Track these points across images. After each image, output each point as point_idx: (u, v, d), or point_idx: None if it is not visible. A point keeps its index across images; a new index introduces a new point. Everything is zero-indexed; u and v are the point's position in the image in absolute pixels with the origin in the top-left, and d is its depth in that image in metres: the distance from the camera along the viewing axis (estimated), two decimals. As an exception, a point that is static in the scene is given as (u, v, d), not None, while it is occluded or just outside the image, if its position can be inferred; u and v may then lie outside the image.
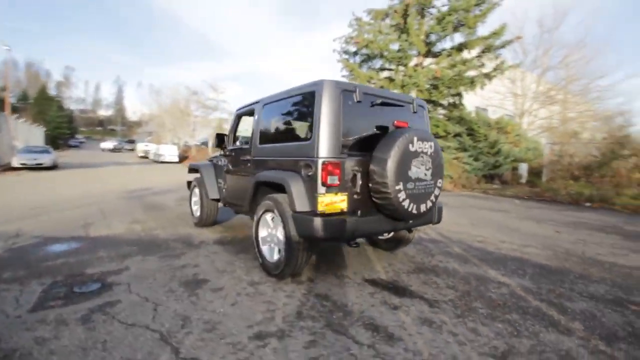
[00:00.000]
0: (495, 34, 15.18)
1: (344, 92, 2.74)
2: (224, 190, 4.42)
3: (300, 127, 3.00)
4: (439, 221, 3.38)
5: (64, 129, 41.77)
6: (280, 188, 3.00)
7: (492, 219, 6.48)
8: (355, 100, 2.81)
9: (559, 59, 18.06)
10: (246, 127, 4.42)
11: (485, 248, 4.31)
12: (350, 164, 2.72)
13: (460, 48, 16.23)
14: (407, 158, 2.66)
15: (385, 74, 18.38)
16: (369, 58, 17.78)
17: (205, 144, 32.39)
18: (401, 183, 2.64)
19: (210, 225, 5.02)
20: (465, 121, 16.46)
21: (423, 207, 2.85)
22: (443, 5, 16.23)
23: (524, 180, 14.16)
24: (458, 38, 16.77)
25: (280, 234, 3.01)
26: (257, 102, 3.71)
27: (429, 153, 2.83)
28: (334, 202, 2.62)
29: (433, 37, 16.69)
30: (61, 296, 2.60)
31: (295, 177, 2.80)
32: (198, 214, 5.04)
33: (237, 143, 4.28)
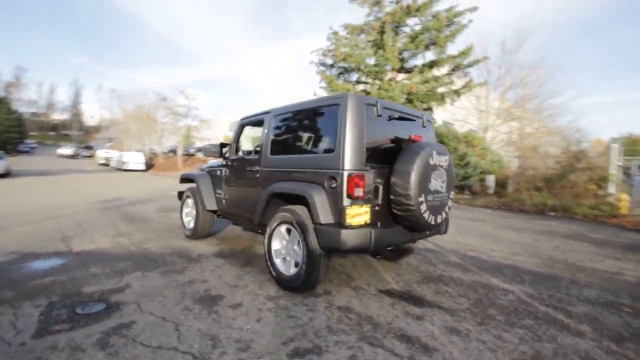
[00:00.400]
0: (463, 53, 16.12)
1: (367, 105, 2.80)
2: (223, 200, 4.28)
3: (322, 139, 3.00)
4: (446, 231, 3.50)
5: (12, 132, 38.25)
6: (298, 200, 2.97)
7: (474, 228, 6.80)
8: (376, 114, 2.87)
9: (518, 79, 19.55)
10: (245, 137, 4.36)
11: (479, 257, 4.51)
12: (372, 176, 2.76)
13: (431, 65, 17.09)
14: (427, 171, 2.75)
15: (361, 87, 18.92)
16: (345, 71, 18.21)
17: (174, 151, 31.19)
18: (423, 195, 2.72)
19: (203, 238, 4.82)
20: (437, 135, 17.19)
21: (439, 218, 2.95)
22: (416, 25, 17.09)
23: (491, 191, 15.02)
24: (429, 56, 17.66)
25: (297, 246, 2.97)
26: (266, 113, 3.66)
27: (444, 166, 2.95)
28: (359, 214, 2.64)
29: (406, 54, 17.48)
30: (64, 319, 2.37)
31: (317, 188, 2.79)
32: (191, 225, 4.83)
33: (240, 153, 4.19)
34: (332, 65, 18.88)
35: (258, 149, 4.30)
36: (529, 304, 2.96)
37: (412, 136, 3.02)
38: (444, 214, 3.02)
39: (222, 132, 47.62)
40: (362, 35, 18.09)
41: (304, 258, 2.80)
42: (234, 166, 4.08)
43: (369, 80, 17.77)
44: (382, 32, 15.61)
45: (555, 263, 4.34)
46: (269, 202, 3.27)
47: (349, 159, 2.66)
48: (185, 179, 5.21)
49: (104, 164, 28.92)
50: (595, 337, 2.41)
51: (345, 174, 2.65)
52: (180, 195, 5.26)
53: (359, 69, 17.07)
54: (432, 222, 2.86)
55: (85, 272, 3.33)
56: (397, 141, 2.97)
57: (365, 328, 2.40)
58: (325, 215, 2.69)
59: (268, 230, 3.21)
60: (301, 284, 2.87)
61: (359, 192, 2.61)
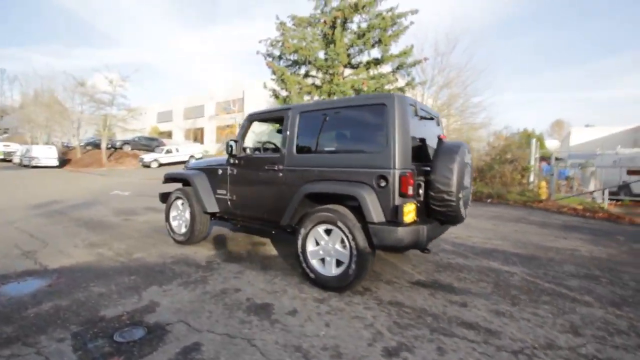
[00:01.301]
0: (405, 53, 17.17)
1: (409, 106, 2.89)
2: (228, 202, 3.98)
3: (366, 138, 3.00)
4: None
5: None
6: (336, 200, 2.96)
7: (441, 217, 7.45)
8: (414, 114, 2.98)
9: (448, 80, 21.66)
10: (249, 133, 4.11)
11: (465, 243, 4.99)
12: (415, 174, 2.87)
13: (377, 63, 17.90)
14: (463, 168, 2.96)
15: (309, 80, 18.96)
16: (295, 63, 18.05)
17: (93, 144, 27.45)
18: (461, 191, 2.93)
19: (197, 242, 4.43)
20: None
21: (467, 212, 3.21)
22: (362, 22, 17.67)
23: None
24: (373, 54, 18.45)
25: (340, 246, 2.95)
26: (287, 109, 3.50)
27: (470, 163, 3.21)
28: (410, 211, 2.73)
29: (352, 51, 17.98)
30: (110, 351, 2.01)
31: (366, 188, 2.80)
32: (183, 230, 4.40)
33: (247, 151, 3.93)
34: (280, 57, 18.56)
35: (272, 146, 4.10)
36: (535, 283, 3.41)
37: (442, 136, 3.21)
38: (467, 207, 3.29)
39: (150, 123, 43.33)
40: (308, 28, 18.07)
41: (353, 257, 2.80)
42: (244, 165, 3.82)
43: (319, 75, 17.91)
44: (333, 27, 15.80)
45: (524, 245, 5.02)
46: (301, 202, 3.17)
47: (399, 158, 2.73)
48: (171, 179, 4.70)
49: (3, 160, 24.15)
50: (601, 305, 2.90)
51: (397, 172, 2.71)
52: (165, 197, 4.73)
53: (310, 63, 17.07)
54: (464, 215, 3.11)
55: (87, 292, 2.83)
56: (421, 140, 3.13)
57: (428, 320, 2.52)
58: (378, 214, 2.73)
59: (302, 231, 3.12)
60: (348, 284, 2.87)
61: (410, 190, 2.70)
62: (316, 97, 18.00)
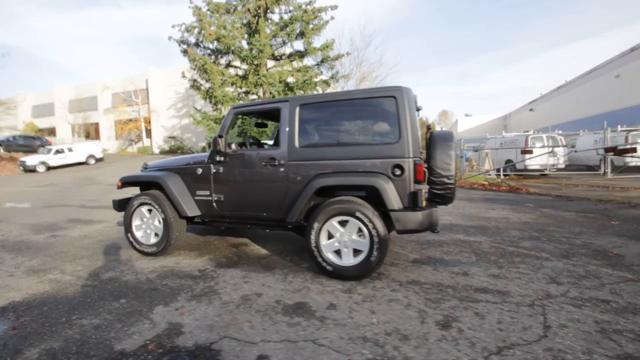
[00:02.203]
0: (327, 46, 17.74)
1: (413, 98, 3.08)
2: (214, 203, 3.63)
3: (378, 130, 3.06)
4: None
5: None
6: (349, 190, 3.02)
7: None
8: (416, 106, 3.19)
9: (366, 74, 23.16)
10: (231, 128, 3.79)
11: (426, 222, 5.56)
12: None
13: (301, 55, 18.04)
14: (454, 154, 3.31)
15: (232, 70, 18.06)
16: (216, 52, 16.96)
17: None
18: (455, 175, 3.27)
19: (167, 251, 3.93)
20: None
21: (455, 193, 3.60)
22: (283, 13, 17.52)
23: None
24: (295, 46, 18.54)
25: (357, 236, 3.01)
26: (283, 101, 3.33)
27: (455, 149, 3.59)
28: (424, 196, 2.95)
29: (274, 42, 17.73)
30: (166, 385, 1.72)
31: (383, 177, 2.91)
32: (153, 239, 3.86)
33: (233, 146, 3.63)
34: (197, 44, 17.24)
35: (252, 141, 3.86)
36: (501, 248, 4.04)
37: (432, 126, 3.50)
38: None
39: (23, 119, 35.30)
40: (225, 15, 17.13)
41: (374, 245, 2.90)
42: (234, 162, 3.52)
43: (243, 65, 17.18)
44: (257, 15, 15.27)
45: (470, 217, 5.85)
46: (311, 197, 3.11)
47: (413, 148, 2.91)
48: (129, 184, 4.03)
49: None
50: (556, 258, 3.62)
51: (412, 161, 2.89)
52: (122, 204, 4.05)
53: (233, 52, 16.25)
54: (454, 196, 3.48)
55: (76, 327, 2.30)
56: (428, 129, 3.39)
57: (450, 292, 2.79)
58: (397, 202, 2.87)
59: (315, 225, 3.07)
60: (370, 270, 2.97)
61: (423, 176, 2.91)
62: (244, 89, 17.27)
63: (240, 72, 17.87)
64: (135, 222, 3.94)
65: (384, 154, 2.95)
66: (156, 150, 32.10)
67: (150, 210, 3.89)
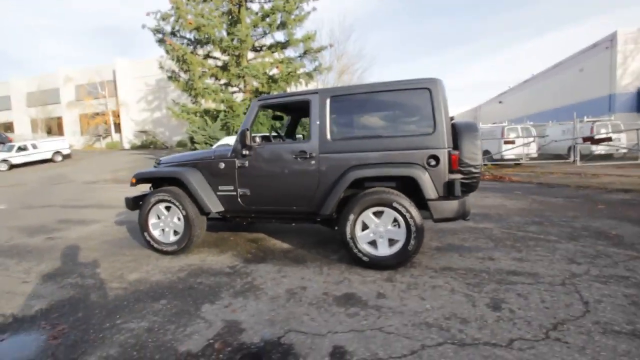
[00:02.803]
0: (309, 37, 17.55)
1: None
2: (239, 198, 3.54)
3: (413, 121, 3.10)
4: None
5: None
6: (381, 181, 3.09)
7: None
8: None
9: (347, 66, 23.20)
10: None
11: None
12: None
13: (283, 46, 17.75)
14: (480, 144, 3.42)
15: (211, 61, 17.47)
16: (195, 42, 16.31)
17: None
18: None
19: (188, 249, 3.81)
20: None
21: (475, 181, 3.74)
22: (265, 2, 17.10)
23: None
24: (277, 37, 18.19)
25: (392, 226, 3.07)
26: (313, 93, 3.29)
27: (477, 139, 3.72)
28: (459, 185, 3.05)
29: (254, 32, 17.28)
30: (253, 382, 1.70)
31: (420, 168, 2.98)
32: (172, 238, 3.73)
33: (257, 139, 3.55)
34: (173, 34, 16.50)
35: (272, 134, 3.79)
36: (512, 233, 4.26)
37: (452, 117, 3.60)
38: None
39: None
40: (201, 4, 16.48)
41: (412, 234, 2.97)
42: (260, 156, 3.45)
43: (223, 57, 16.66)
44: (239, 5, 14.79)
45: (471, 205, 6.10)
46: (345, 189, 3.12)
47: (447, 138, 2.99)
48: (144, 180, 3.84)
49: None
50: (566, 241, 3.88)
51: (447, 152, 2.98)
52: (136, 202, 3.86)
53: (213, 43, 15.68)
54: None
55: (126, 332, 2.20)
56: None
57: (485, 276, 2.92)
58: (433, 191, 2.95)
59: (351, 217, 3.10)
60: (407, 259, 3.04)
61: (457, 166, 3.01)
62: (223, 80, 16.76)
63: (220, 64, 17.33)
64: (152, 221, 3.78)
65: (420, 145, 3.02)
66: (127, 146, 30.59)
67: (168, 208, 3.74)
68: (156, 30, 16.23)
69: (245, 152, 3.45)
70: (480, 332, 2.06)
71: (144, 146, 29.56)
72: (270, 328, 2.19)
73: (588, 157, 14.76)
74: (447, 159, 2.97)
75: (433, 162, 2.99)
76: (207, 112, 16.53)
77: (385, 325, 2.18)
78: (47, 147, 20.75)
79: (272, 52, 17.80)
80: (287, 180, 3.38)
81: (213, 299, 2.63)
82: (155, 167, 4.02)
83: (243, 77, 15.63)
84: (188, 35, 16.52)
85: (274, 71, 16.58)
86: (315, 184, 3.28)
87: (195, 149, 15.15)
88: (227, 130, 15.80)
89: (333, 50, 23.24)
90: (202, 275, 3.14)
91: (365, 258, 3.11)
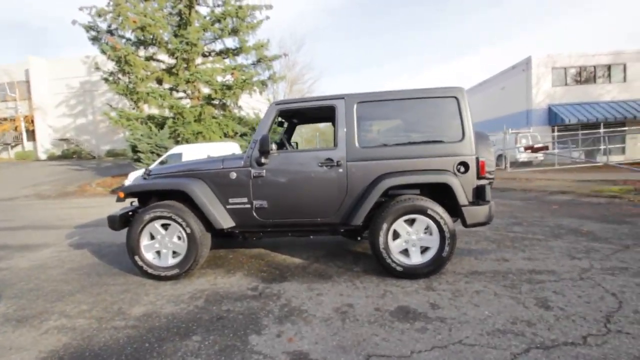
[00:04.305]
0: (262, 45, 17.32)
1: (465, 98, 3.24)
2: (253, 211, 3.20)
3: (441, 129, 3.10)
4: None
5: None
6: (406, 188, 3.10)
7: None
8: (460, 106, 3.37)
9: (298, 76, 23.26)
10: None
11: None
12: None
13: (235, 53, 17.20)
14: (493, 151, 3.59)
15: (154, 64, 16.15)
16: (137, 43, 14.92)
17: None
18: (491, 170, 3.57)
19: (191, 272, 3.32)
20: (246, 122, 17.46)
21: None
22: (215, 7, 16.43)
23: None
24: (228, 43, 17.59)
25: (425, 233, 3.04)
26: (339, 98, 3.13)
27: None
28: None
29: (203, 37, 16.49)
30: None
31: (451, 174, 3.00)
32: (171, 260, 3.22)
33: (273, 147, 3.25)
34: (110, 32, 14.95)
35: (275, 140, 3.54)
36: (504, 234, 4.55)
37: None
38: None
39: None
40: (142, 3, 15.25)
41: (447, 240, 2.96)
42: (280, 164, 3.16)
43: (169, 60, 15.49)
44: (189, 6, 13.93)
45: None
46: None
47: (475, 146, 3.08)
48: (134, 194, 3.26)
49: None
50: (552, 238, 4.25)
51: (475, 158, 3.06)
52: (123, 221, 3.26)
53: (159, 44, 14.51)
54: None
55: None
56: None
57: (512, 277, 3.02)
58: (464, 197, 3.00)
59: (384, 227, 2.99)
60: (441, 266, 3.02)
61: (484, 172, 3.11)
62: (168, 85, 15.52)
63: (163, 67, 16.08)
64: (144, 242, 3.22)
65: (450, 152, 3.05)
66: (42, 156, 26.52)
67: (165, 226, 3.22)
68: (90, 27, 14.50)
69: (263, 160, 3.14)
70: (552, 333, 2.10)
71: (65, 156, 25.93)
72: (346, 355, 1.95)
73: (515, 164, 16.85)
74: (475, 166, 3.06)
75: (462, 169, 3.05)
76: (151, 118, 15.14)
77: (462, 337, 2.09)
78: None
79: (223, 58, 17.12)
80: (312, 190, 3.16)
81: (256, 329, 2.29)
82: (144, 178, 3.44)
83: (193, 82, 14.68)
84: (127, 35, 15.06)
85: (227, 77, 15.90)
86: (342, 193, 3.11)
87: (138, 158, 13.69)
88: (175, 138, 14.62)
89: (285, 60, 23.19)
90: (224, 301, 2.73)
91: (399, 268, 3.02)
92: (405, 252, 3.09)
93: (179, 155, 10.64)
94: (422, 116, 3.16)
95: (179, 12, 14.13)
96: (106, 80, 14.71)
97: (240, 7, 15.78)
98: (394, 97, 3.14)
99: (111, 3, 13.88)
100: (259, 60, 17.02)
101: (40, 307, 2.73)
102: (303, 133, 27.76)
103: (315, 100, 3.26)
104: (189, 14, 14.07)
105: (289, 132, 4.45)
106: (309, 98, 3.32)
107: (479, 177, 3.08)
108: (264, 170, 3.18)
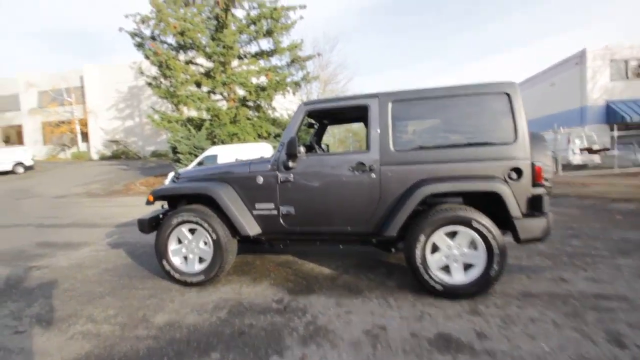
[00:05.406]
0: (295, 46, 17.28)
1: (519, 94, 2.85)
2: (280, 218, 3.04)
3: (490, 130, 2.75)
4: None
5: None
6: (446, 196, 2.78)
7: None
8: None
9: (332, 76, 23.11)
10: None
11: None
12: None
13: (269, 54, 17.34)
14: (550, 155, 3.13)
15: (193, 68, 16.72)
16: (177, 48, 15.52)
17: None
18: (546, 176, 3.12)
19: (218, 279, 3.23)
20: (280, 123, 17.56)
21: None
22: (251, 9, 16.68)
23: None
24: (263, 45, 17.77)
25: (468, 248, 2.70)
26: (372, 97, 2.89)
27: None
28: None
29: (239, 39, 16.78)
30: None
31: (501, 181, 2.64)
32: (198, 266, 3.15)
33: (302, 149, 3.08)
34: (153, 38, 15.65)
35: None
36: (560, 248, 4.02)
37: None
38: None
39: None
40: (182, 9, 15.81)
41: (495, 257, 2.60)
42: (309, 168, 2.98)
43: (206, 63, 15.97)
44: (226, 9, 14.23)
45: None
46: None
47: (530, 148, 2.69)
48: (164, 197, 3.25)
49: None
50: (619, 255, 3.67)
51: (529, 163, 2.67)
52: (152, 224, 3.25)
53: (197, 48, 14.98)
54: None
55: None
56: None
57: (575, 302, 2.60)
58: (517, 208, 2.62)
59: (421, 239, 2.69)
60: (488, 286, 2.67)
61: (541, 179, 2.70)
62: (206, 88, 16.01)
63: (202, 70, 16.61)
64: (172, 246, 3.18)
65: (500, 156, 2.69)
66: (95, 156, 28.62)
67: (192, 231, 3.16)
68: (134, 34, 15.32)
69: (291, 163, 2.97)
70: (634, 382, 1.71)
71: (114, 156, 27.79)
72: (377, 390, 1.71)
73: (568, 167, 15.40)
74: (530, 172, 2.66)
75: (515, 175, 2.67)
76: (190, 120, 15.71)
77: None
78: (6, 157, 18.82)
79: (258, 60, 17.36)
80: (342, 197, 2.93)
81: (278, 349, 2.11)
82: (174, 181, 3.42)
83: (229, 84, 15.01)
84: (169, 40, 15.73)
85: (261, 79, 16.09)
86: (375, 200, 2.86)
87: (178, 159, 14.24)
88: (212, 139, 15.04)
89: (318, 60, 23.13)
90: (247, 314, 2.59)
91: (438, 286, 2.70)
92: (445, 268, 2.77)
93: (215, 156, 10.86)
94: (467, 115, 2.81)
95: (216, 15, 14.50)
96: (149, 84, 15.46)
97: (275, 8, 15.90)
98: (433, 95, 2.83)
99: (154, 10, 14.56)
100: (292, 61, 17.05)
101: (71, 310, 2.76)
102: (335, 133, 27.53)
103: (346, 99, 3.03)
104: (226, 17, 14.38)
105: (319, 133, 4.26)
106: (340, 97, 3.10)
107: (534, 185, 2.68)
108: (292, 175, 3.01)
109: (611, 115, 18.07)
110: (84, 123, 28.71)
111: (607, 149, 12.93)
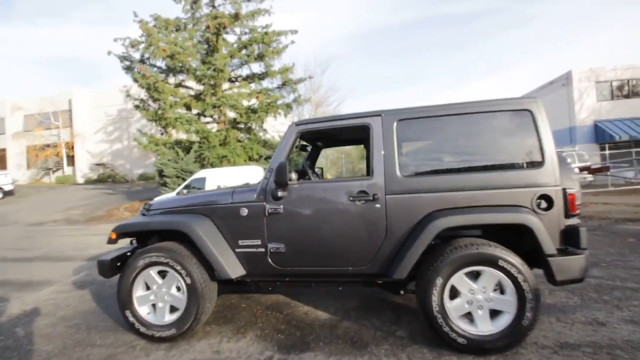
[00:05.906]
0: (287, 69, 17.28)
1: (541, 112, 2.51)
2: (268, 256, 2.56)
3: (510, 151, 2.37)
4: None
5: None
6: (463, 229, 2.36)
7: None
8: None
9: (323, 99, 23.14)
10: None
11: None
12: None
13: (260, 77, 17.28)
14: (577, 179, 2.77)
15: (183, 90, 16.49)
16: (167, 71, 15.32)
17: None
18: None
19: (192, 332, 2.69)
20: (271, 144, 17.24)
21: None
22: (242, 34, 16.74)
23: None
24: (254, 68, 17.78)
25: (495, 292, 2.26)
26: (374, 116, 2.51)
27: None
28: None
29: (230, 63, 16.71)
30: None
31: (529, 211, 2.24)
32: (168, 317, 2.63)
33: (293, 176, 2.65)
34: (142, 61, 15.46)
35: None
36: (585, 281, 3.61)
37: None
38: None
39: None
40: (173, 33, 15.74)
41: (527, 303, 2.16)
42: (301, 198, 2.54)
43: (196, 86, 15.76)
44: (217, 34, 14.18)
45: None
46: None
47: (560, 173, 2.31)
48: (128, 234, 2.75)
49: None
50: None
51: (560, 190, 2.28)
52: (114, 266, 2.73)
53: (187, 71, 14.79)
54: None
55: None
56: None
57: (625, 355, 2.16)
58: (550, 244, 2.20)
59: (438, 282, 2.24)
60: (518, 339, 2.21)
61: (575, 209, 2.31)
62: (196, 110, 15.71)
63: (192, 93, 16.39)
64: (138, 293, 2.66)
65: (525, 182, 2.30)
66: (80, 180, 27.76)
67: (163, 274, 2.65)
68: (123, 58, 15.11)
69: (280, 193, 2.53)
70: None
71: (100, 180, 26.97)
72: None
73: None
74: (562, 200, 2.27)
75: (544, 204, 2.28)
76: (178, 143, 15.30)
77: None
78: (-19, 183, 17.95)
79: (249, 83, 17.26)
80: (340, 231, 2.48)
81: None
82: (143, 214, 2.93)
83: (219, 107, 14.75)
84: (158, 64, 15.55)
85: (253, 101, 15.90)
86: (381, 235, 2.42)
87: (165, 183, 13.69)
88: (201, 162, 14.57)
89: (310, 83, 23.21)
90: (228, 381, 2.06)
91: (460, 339, 2.23)
92: (468, 315, 2.31)
93: (203, 179, 10.43)
94: (484, 135, 2.43)
95: (207, 39, 14.43)
96: (137, 107, 15.12)
97: (266, 33, 15.95)
98: (445, 113, 2.45)
99: (144, 34, 14.43)
100: (284, 84, 16.99)
101: None
102: (328, 154, 27.25)
103: (344, 119, 2.64)
104: (216, 41, 14.31)
105: (313, 156, 3.85)
106: (336, 117, 2.70)
107: (567, 216, 2.28)
108: (281, 206, 2.56)
109: (599, 135, 18.27)
110: (70, 146, 28.02)
111: (608, 169, 12.80)
